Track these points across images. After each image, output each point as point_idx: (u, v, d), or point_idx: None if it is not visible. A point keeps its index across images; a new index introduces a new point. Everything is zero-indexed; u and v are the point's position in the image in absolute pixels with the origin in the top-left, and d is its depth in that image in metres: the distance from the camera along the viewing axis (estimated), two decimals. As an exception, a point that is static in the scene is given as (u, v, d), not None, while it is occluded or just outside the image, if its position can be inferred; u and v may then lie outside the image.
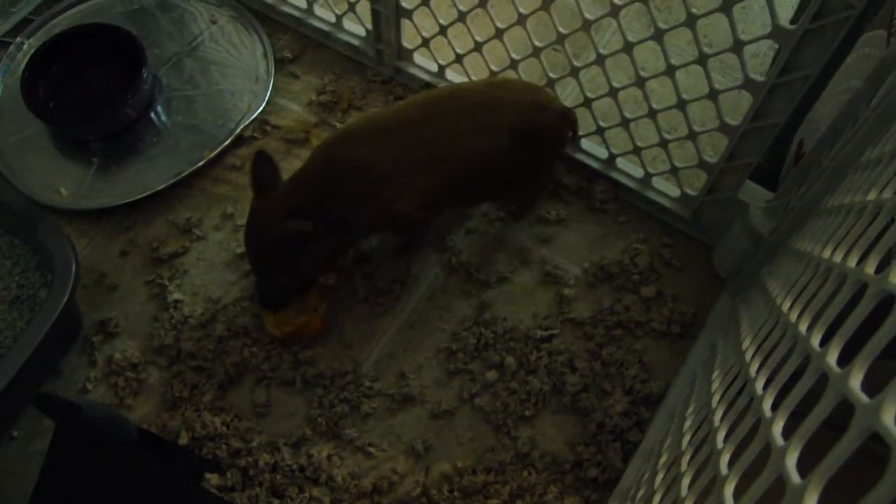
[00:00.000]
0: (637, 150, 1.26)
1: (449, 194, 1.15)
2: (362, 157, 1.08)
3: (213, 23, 1.55)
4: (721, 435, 0.64)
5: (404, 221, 1.15)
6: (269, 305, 1.17)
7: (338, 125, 1.43)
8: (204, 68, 1.49)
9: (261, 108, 1.44)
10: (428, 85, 1.43)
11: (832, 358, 0.48)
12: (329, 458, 1.12)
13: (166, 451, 0.98)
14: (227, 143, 1.39)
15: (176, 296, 1.25)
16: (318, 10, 1.51)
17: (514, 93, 1.14)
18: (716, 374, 0.87)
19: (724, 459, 0.59)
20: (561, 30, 1.17)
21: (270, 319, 1.18)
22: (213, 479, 1.08)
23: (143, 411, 1.16)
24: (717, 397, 0.76)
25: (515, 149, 1.12)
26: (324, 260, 1.14)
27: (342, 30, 1.49)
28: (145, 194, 1.33)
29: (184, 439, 1.11)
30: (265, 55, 1.50)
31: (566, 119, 1.19)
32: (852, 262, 0.58)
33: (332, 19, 1.49)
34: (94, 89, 1.43)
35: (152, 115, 1.43)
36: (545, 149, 1.20)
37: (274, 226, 1.07)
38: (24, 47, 1.50)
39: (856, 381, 0.43)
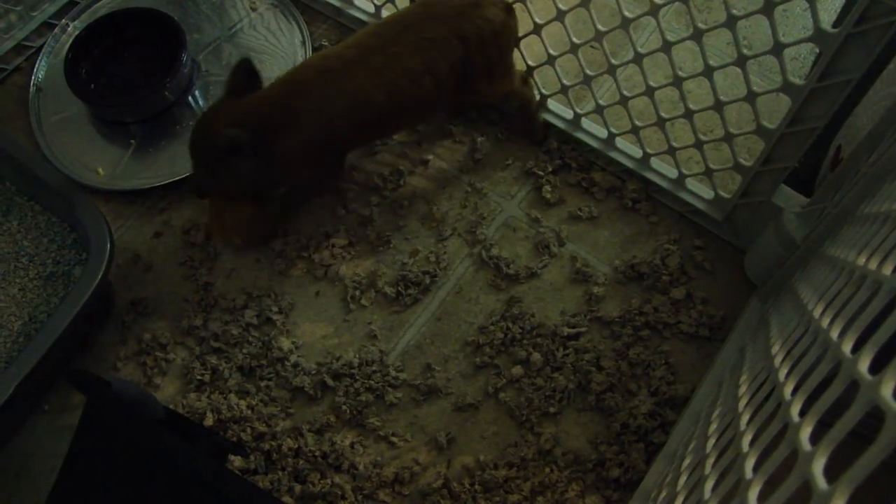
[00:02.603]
0: (672, 151, 1.25)
1: (395, 114, 1.22)
2: (311, 90, 1.15)
3: (253, 9, 1.56)
4: (747, 439, 0.63)
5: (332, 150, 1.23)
6: (193, 191, 1.22)
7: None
8: (242, 55, 1.50)
9: (297, 96, 1.44)
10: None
11: (864, 365, 0.48)
12: (352, 446, 1.13)
13: (191, 432, 0.99)
14: (262, 129, 1.40)
15: (207, 279, 1.27)
16: (357, -1, 1.52)
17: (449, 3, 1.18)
18: (743, 378, 0.86)
19: (750, 463, 0.58)
20: (599, 27, 1.17)
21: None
22: (236, 461, 1.10)
23: (170, 391, 1.18)
24: (743, 401, 0.76)
25: (466, 52, 1.17)
26: (248, 181, 1.18)
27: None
28: (181, 177, 1.34)
29: (209, 421, 1.13)
30: (303, 43, 1.51)
31: (507, 9, 1.21)
32: (888, 269, 0.57)
33: (371, 9, 1.50)
34: (135, 72, 1.45)
35: (190, 99, 1.45)
36: (496, 44, 1.20)
37: (215, 129, 1.11)
38: (69, 29, 1.53)
39: (888, 389, 0.42)
